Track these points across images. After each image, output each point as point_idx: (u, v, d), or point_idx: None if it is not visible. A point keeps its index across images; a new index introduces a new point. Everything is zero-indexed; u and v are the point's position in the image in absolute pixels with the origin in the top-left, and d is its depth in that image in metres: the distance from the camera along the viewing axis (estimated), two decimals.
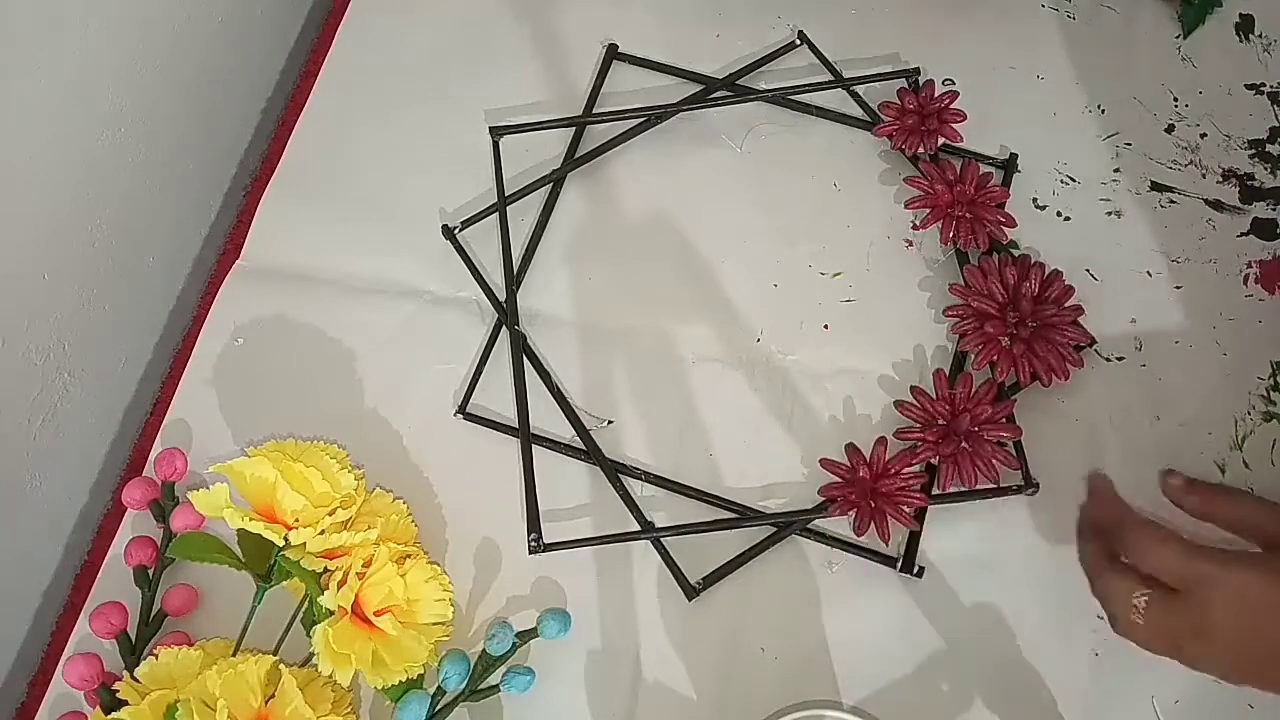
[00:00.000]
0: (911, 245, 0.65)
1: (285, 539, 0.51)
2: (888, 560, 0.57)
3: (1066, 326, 0.59)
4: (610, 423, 0.62)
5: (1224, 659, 0.46)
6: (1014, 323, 0.59)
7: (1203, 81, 0.68)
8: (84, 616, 0.59)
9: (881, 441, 0.58)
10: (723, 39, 0.72)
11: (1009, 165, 0.66)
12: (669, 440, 0.61)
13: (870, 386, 0.62)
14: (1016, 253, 0.63)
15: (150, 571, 0.58)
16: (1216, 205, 0.65)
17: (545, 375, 0.62)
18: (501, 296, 0.65)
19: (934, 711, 0.55)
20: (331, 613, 0.50)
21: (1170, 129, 0.67)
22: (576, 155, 0.68)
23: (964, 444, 0.57)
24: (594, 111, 0.70)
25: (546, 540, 0.57)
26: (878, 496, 0.57)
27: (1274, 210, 0.64)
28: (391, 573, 0.52)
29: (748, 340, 0.63)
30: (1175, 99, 0.68)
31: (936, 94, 0.66)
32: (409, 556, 0.54)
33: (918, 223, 0.64)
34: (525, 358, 0.63)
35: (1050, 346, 0.59)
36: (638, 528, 0.58)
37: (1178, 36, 0.69)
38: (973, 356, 0.60)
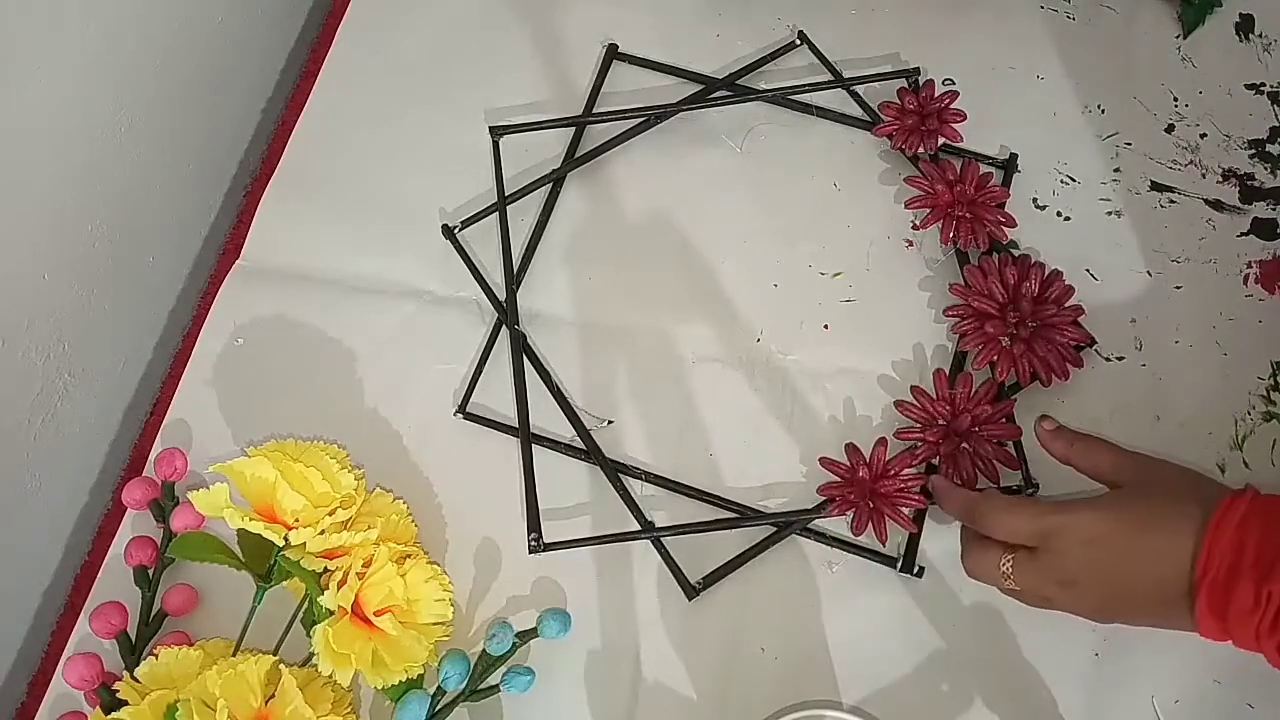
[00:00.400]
0: (911, 245, 0.65)
1: (285, 539, 0.51)
2: (888, 560, 0.57)
3: (1066, 326, 0.59)
4: (610, 423, 0.62)
5: (1089, 601, 0.48)
6: (1014, 323, 0.59)
7: (1203, 81, 0.68)
8: (84, 616, 0.59)
9: (882, 442, 0.58)
10: (722, 39, 0.72)
11: (1009, 165, 0.66)
12: (669, 440, 0.61)
13: (870, 386, 0.62)
14: (1016, 253, 0.63)
15: (150, 571, 0.58)
16: (1216, 205, 0.65)
17: (545, 375, 0.62)
18: (501, 296, 0.65)
19: (934, 711, 0.55)
20: (331, 613, 0.50)
21: (1170, 129, 0.67)
22: (576, 155, 0.68)
23: (964, 444, 0.57)
24: (594, 111, 0.70)
25: (546, 540, 0.57)
26: (877, 497, 0.56)
27: (1274, 210, 0.64)
28: (391, 573, 0.52)
29: (748, 340, 0.63)
30: (1175, 99, 0.68)
31: (936, 94, 0.66)
32: (409, 556, 0.54)
33: (918, 223, 0.64)
34: (525, 357, 0.63)
35: (1050, 346, 0.59)
36: (638, 528, 0.58)
37: (1178, 36, 0.69)
38: (973, 356, 0.60)
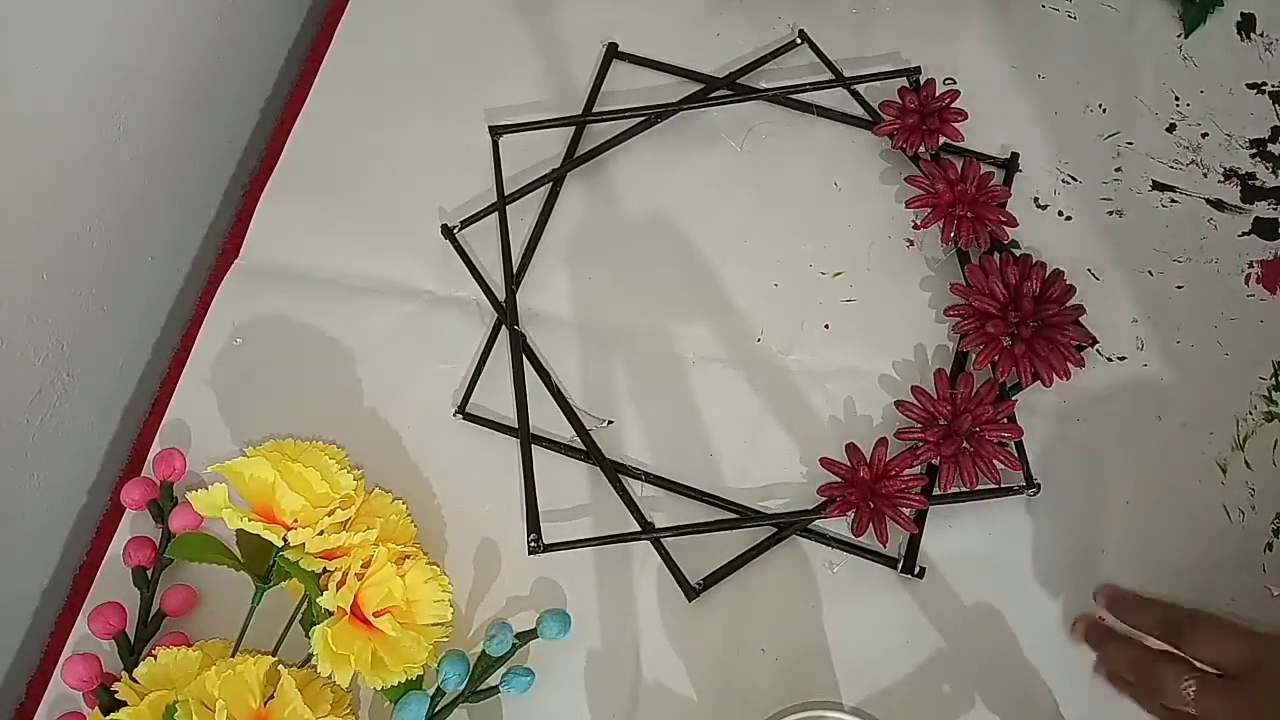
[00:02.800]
0: (912, 245, 0.65)
1: (284, 539, 0.51)
2: (888, 561, 0.57)
3: (1068, 326, 0.59)
4: (610, 423, 0.62)
5: None
6: (1015, 322, 0.59)
7: (1204, 81, 0.68)
8: (82, 617, 0.59)
9: (882, 442, 0.58)
10: (723, 38, 0.72)
11: (1010, 164, 0.66)
12: (669, 440, 0.61)
13: (871, 386, 0.62)
14: (1018, 252, 0.63)
15: (149, 572, 0.58)
16: (1218, 205, 0.65)
17: (545, 375, 0.62)
18: (501, 296, 0.65)
19: (935, 712, 0.55)
20: (330, 613, 0.50)
21: (1171, 128, 0.67)
22: (576, 155, 0.68)
23: (965, 444, 0.57)
24: (594, 111, 0.70)
25: (546, 541, 0.57)
26: (877, 498, 0.56)
27: (1275, 210, 0.64)
28: (391, 573, 0.52)
29: (748, 340, 0.63)
30: (1176, 98, 0.68)
31: (937, 93, 0.66)
32: (408, 557, 0.54)
33: (919, 222, 0.64)
34: (525, 358, 0.62)
35: (1052, 346, 0.59)
36: (638, 528, 0.58)
37: (1179, 36, 0.69)
38: (974, 356, 0.60)
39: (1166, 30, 0.70)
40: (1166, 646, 0.49)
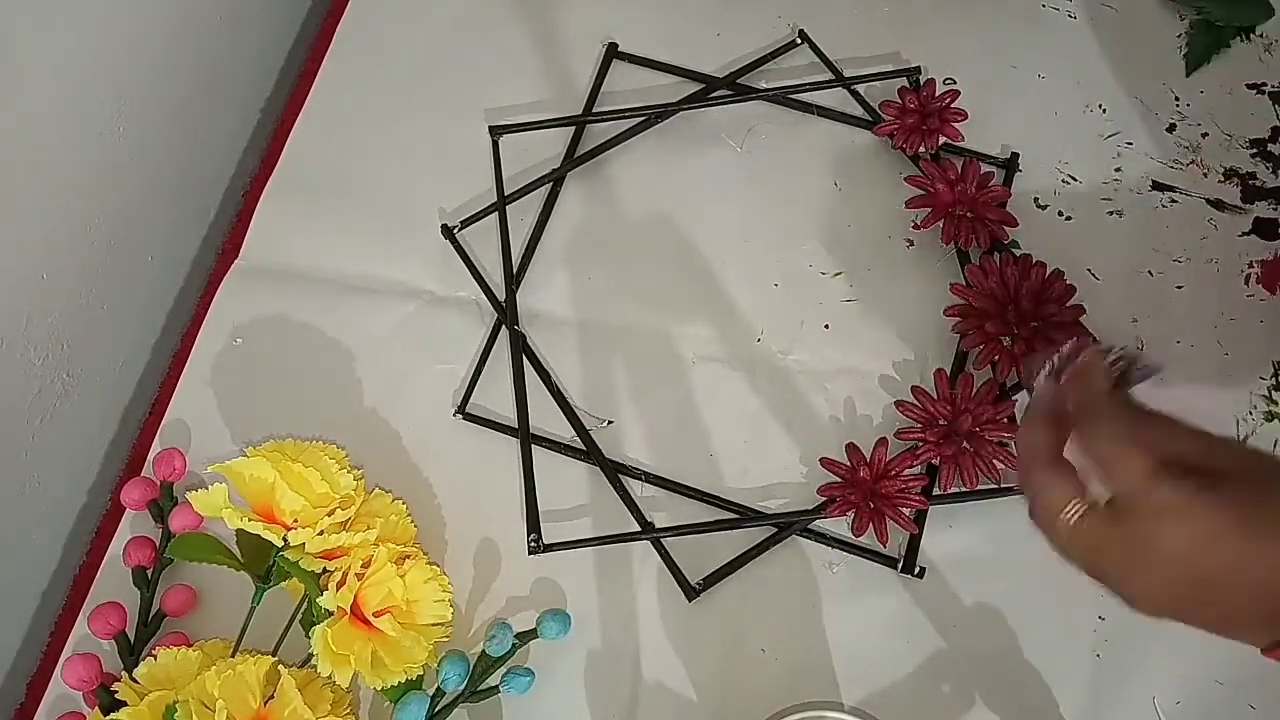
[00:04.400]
0: (912, 245, 0.65)
1: (284, 539, 0.51)
2: (888, 561, 0.57)
3: (1068, 326, 0.59)
4: (610, 423, 0.62)
5: (1159, 598, 0.39)
6: (1015, 322, 0.59)
7: (1204, 81, 0.68)
8: (82, 617, 0.59)
9: (882, 442, 0.58)
10: (723, 38, 0.72)
11: (1010, 164, 0.66)
12: (669, 440, 0.61)
13: (871, 386, 0.62)
14: (1018, 252, 0.63)
15: (149, 572, 0.58)
16: (1218, 205, 0.65)
17: (545, 375, 0.62)
18: (501, 296, 0.64)
19: (935, 712, 0.55)
20: (330, 613, 0.50)
21: (1171, 128, 0.67)
22: (576, 155, 0.68)
23: (965, 444, 0.57)
24: (594, 111, 0.70)
25: (546, 540, 0.57)
26: (877, 498, 0.56)
27: (1275, 210, 0.64)
28: (391, 573, 0.52)
29: (748, 340, 0.63)
30: (1176, 98, 0.68)
31: (937, 93, 0.66)
32: (408, 557, 0.54)
33: (918, 222, 0.64)
34: (525, 358, 0.62)
35: (1052, 346, 0.58)
36: (638, 528, 0.58)
37: (1178, 36, 0.69)
38: (974, 356, 0.60)
39: (1166, 30, 0.70)
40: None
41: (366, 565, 0.52)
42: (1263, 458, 0.40)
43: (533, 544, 0.57)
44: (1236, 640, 0.39)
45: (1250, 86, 0.67)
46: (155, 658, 0.52)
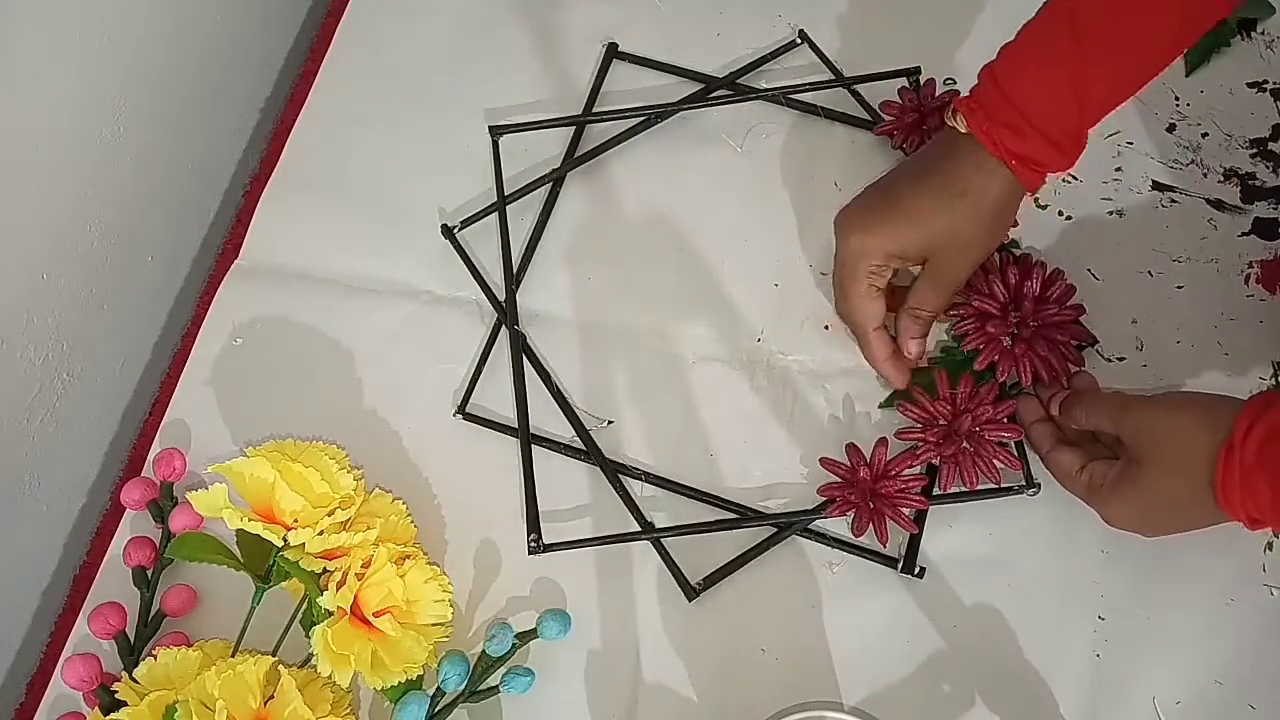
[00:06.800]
0: None
1: (284, 539, 0.51)
2: (888, 561, 0.57)
3: (1068, 326, 0.59)
4: (610, 423, 0.62)
5: (1133, 509, 0.52)
6: (1015, 322, 0.59)
7: (1204, 80, 0.68)
8: (83, 617, 0.59)
9: (882, 442, 0.58)
10: (723, 38, 0.72)
11: None
12: (669, 440, 0.61)
13: (871, 386, 0.62)
14: (1018, 252, 0.63)
15: (149, 572, 0.58)
16: (1218, 205, 0.65)
17: (545, 375, 0.62)
18: (501, 296, 0.64)
19: (935, 712, 0.54)
20: (330, 613, 0.50)
21: (1171, 128, 0.67)
22: (576, 155, 0.68)
23: (965, 444, 0.57)
24: (594, 111, 0.70)
25: (546, 541, 0.57)
26: (877, 498, 0.56)
27: (1275, 210, 0.64)
28: (391, 573, 0.52)
29: (748, 340, 0.63)
30: (1176, 98, 0.67)
31: (937, 93, 0.66)
32: (408, 557, 0.54)
33: None
34: (525, 358, 0.62)
35: (1051, 346, 0.58)
36: (638, 528, 0.58)
37: None
38: (974, 356, 0.60)
39: None
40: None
41: (366, 565, 0.52)
42: (1154, 420, 0.51)
43: (533, 544, 0.57)
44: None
45: (1251, 85, 0.67)
46: (155, 658, 0.52)
